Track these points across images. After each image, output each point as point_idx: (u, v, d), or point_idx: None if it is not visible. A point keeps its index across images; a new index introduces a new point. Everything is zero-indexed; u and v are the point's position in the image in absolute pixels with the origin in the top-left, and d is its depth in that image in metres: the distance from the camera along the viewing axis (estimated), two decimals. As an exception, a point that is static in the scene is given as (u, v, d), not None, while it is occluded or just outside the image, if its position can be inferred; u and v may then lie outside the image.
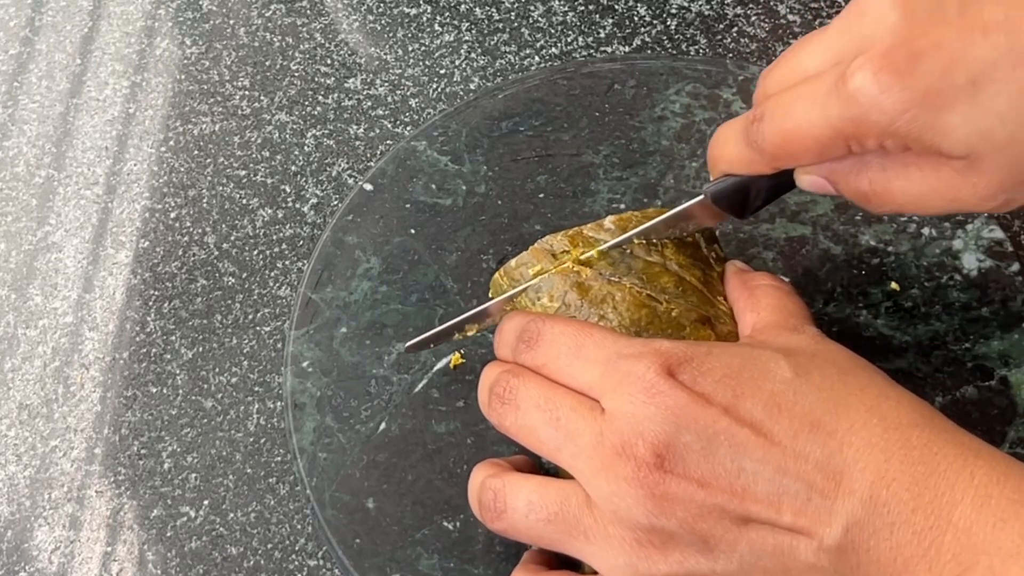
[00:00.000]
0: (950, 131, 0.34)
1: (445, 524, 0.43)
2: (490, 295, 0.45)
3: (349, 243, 0.51)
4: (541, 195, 0.51)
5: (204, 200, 0.55)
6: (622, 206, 0.50)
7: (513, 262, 0.43)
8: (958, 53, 0.33)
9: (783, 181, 0.40)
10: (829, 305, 0.47)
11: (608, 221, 0.42)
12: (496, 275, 0.44)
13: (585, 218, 0.50)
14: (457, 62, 0.59)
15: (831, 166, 0.38)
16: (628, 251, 0.42)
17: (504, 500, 0.37)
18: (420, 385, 0.47)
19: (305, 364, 0.47)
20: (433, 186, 0.52)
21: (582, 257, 0.42)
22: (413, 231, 0.51)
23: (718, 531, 0.34)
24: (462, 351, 0.47)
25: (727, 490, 0.34)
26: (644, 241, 0.42)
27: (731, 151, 0.40)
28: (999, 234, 0.48)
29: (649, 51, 0.57)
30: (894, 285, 0.47)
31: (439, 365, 0.47)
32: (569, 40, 0.59)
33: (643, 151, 0.52)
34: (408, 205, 0.51)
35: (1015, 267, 0.47)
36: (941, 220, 0.48)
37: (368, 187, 0.52)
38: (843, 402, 0.35)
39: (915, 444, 0.34)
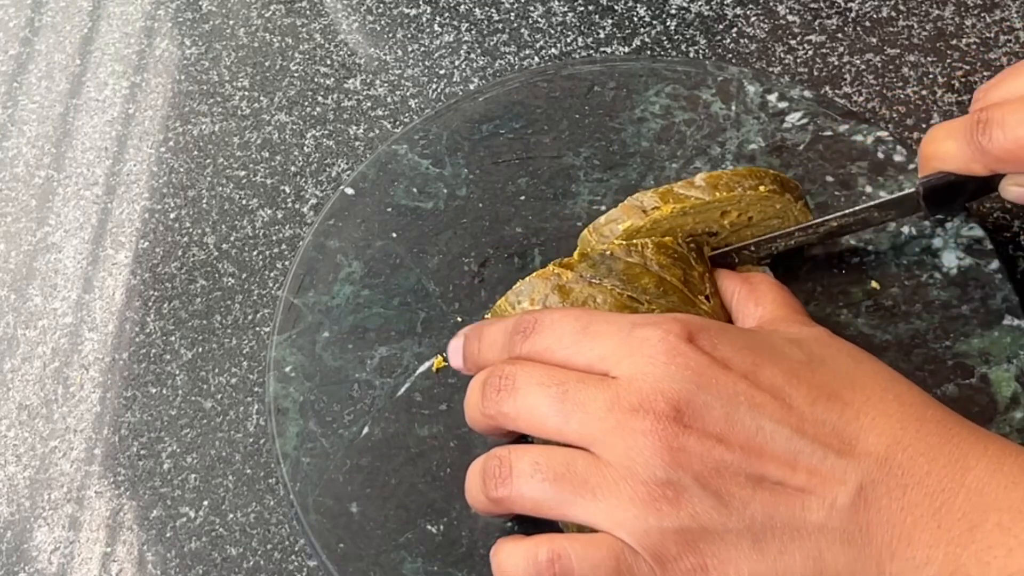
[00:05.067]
0: None
1: (429, 528, 0.43)
2: (577, 253, 0.45)
3: (331, 247, 0.51)
4: (522, 198, 0.51)
5: (204, 201, 0.55)
6: (603, 207, 0.50)
7: (603, 219, 0.44)
8: None
9: (985, 188, 0.44)
10: (810, 305, 0.47)
11: (699, 179, 0.44)
12: (585, 231, 0.45)
13: (566, 220, 0.50)
14: (457, 63, 0.59)
15: None
16: (608, 252, 0.42)
17: (509, 464, 0.37)
18: (403, 389, 0.47)
19: (288, 369, 0.47)
20: (414, 190, 0.52)
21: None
22: (395, 235, 0.51)
23: (732, 488, 0.34)
24: (444, 355, 0.47)
25: (744, 448, 0.34)
26: (624, 242, 0.43)
27: (949, 149, 0.43)
28: (979, 232, 0.48)
29: (650, 52, 0.58)
30: (874, 284, 0.47)
31: (421, 368, 0.47)
32: (568, 41, 0.59)
33: (623, 153, 0.52)
34: (389, 209, 0.51)
35: (995, 264, 0.47)
36: (921, 218, 0.48)
37: (349, 191, 0.52)
38: (859, 381, 0.36)
39: (930, 418, 0.35)
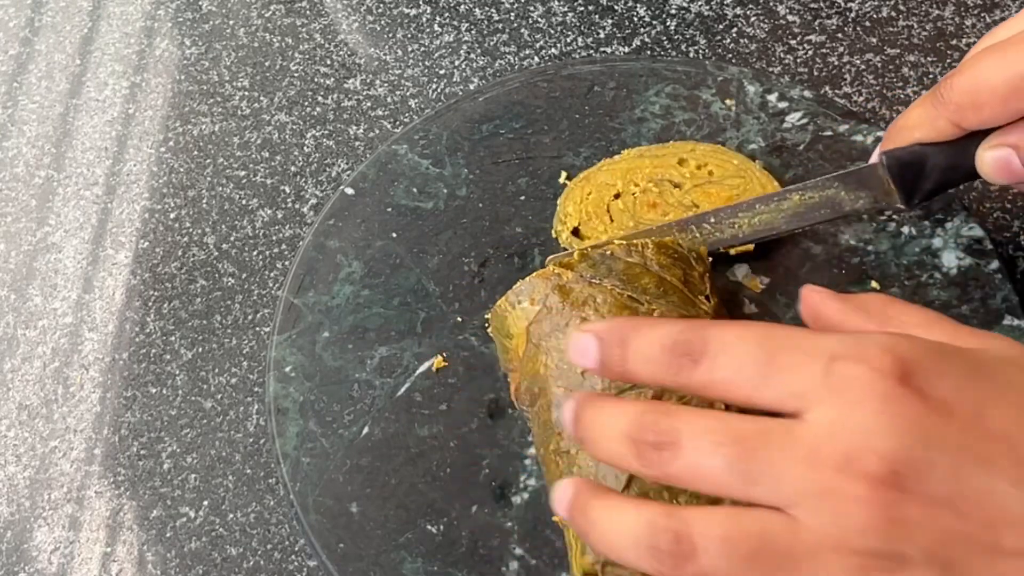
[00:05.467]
0: None
1: (428, 528, 0.43)
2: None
3: (331, 247, 0.51)
4: (522, 197, 0.51)
5: (204, 201, 0.55)
6: None
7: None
8: None
9: (958, 165, 0.42)
10: None
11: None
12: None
13: None
14: (457, 63, 0.59)
15: (1019, 135, 0.40)
16: (608, 252, 0.42)
17: (691, 542, 0.31)
18: (403, 389, 0.47)
19: (288, 369, 0.47)
20: (414, 190, 0.52)
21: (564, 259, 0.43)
22: (395, 235, 0.51)
23: (963, 559, 0.29)
24: (444, 355, 0.47)
25: (974, 515, 0.29)
26: (624, 242, 0.43)
27: (915, 115, 0.42)
28: (978, 231, 0.48)
29: (650, 52, 0.58)
30: (874, 284, 0.47)
31: (421, 368, 0.47)
32: (568, 41, 0.59)
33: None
34: (389, 209, 0.52)
35: (994, 264, 0.47)
36: (921, 219, 0.48)
37: (349, 191, 0.52)
38: None
39: None
